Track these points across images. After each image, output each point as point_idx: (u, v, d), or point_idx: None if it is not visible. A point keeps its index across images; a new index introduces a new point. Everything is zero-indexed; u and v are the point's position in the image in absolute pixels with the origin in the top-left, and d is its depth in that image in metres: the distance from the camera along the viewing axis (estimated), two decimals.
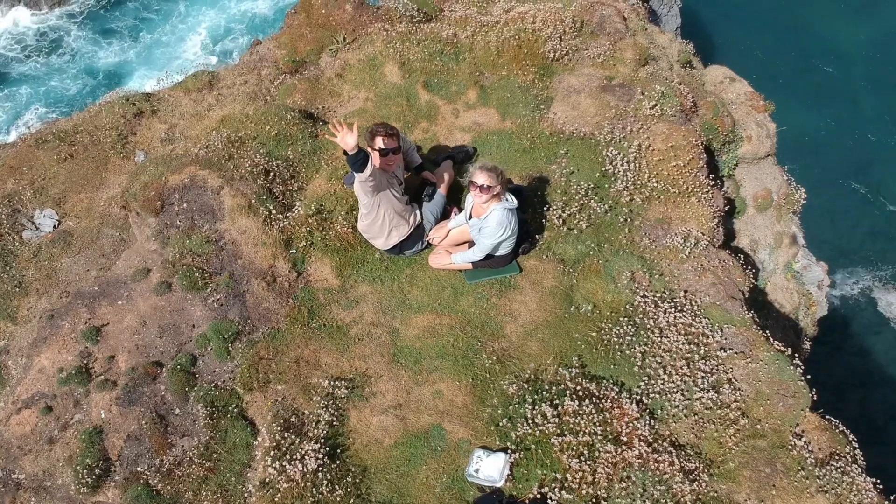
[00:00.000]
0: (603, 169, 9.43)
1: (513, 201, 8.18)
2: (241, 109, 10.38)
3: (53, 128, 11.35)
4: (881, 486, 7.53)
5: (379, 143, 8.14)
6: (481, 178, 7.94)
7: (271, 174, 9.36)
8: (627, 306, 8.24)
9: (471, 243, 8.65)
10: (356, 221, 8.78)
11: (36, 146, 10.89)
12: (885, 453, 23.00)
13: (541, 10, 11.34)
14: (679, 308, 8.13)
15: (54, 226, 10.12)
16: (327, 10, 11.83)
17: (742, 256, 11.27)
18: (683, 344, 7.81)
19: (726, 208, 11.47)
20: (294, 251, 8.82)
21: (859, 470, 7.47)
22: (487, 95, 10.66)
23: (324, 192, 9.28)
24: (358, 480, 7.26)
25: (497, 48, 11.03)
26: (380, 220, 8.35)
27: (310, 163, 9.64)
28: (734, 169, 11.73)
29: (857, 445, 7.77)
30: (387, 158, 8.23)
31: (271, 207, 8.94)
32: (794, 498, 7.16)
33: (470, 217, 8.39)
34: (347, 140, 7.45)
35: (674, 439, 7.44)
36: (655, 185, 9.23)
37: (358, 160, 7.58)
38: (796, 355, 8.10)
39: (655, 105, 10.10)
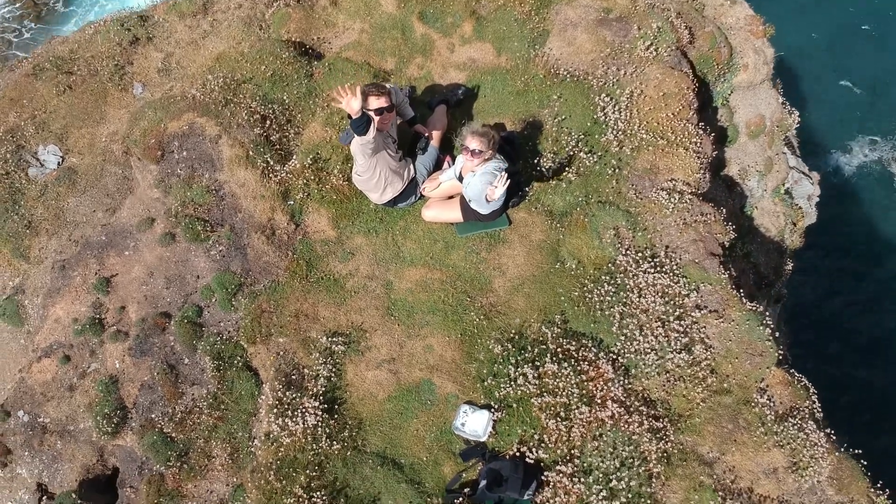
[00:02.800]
0: (594, 116, 9.55)
1: (503, 164, 8.40)
2: (237, 45, 10.39)
3: (50, 53, 11.36)
4: (834, 437, 8.23)
5: (372, 103, 8.27)
6: (473, 143, 8.14)
7: (268, 121, 9.53)
8: (610, 264, 8.64)
9: (462, 197, 8.94)
10: (351, 173, 9.03)
11: (34, 76, 10.97)
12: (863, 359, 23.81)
13: None
14: (659, 268, 8.53)
15: (58, 163, 10.39)
16: None
17: (728, 190, 11.55)
18: (660, 305, 8.27)
19: (718, 137, 11.65)
20: (291, 202, 9.14)
21: (815, 426, 8.11)
22: (483, 29, 10.58)
23: (319, 140, 9.48)
24: (354, 433, 7.95)
25: None
26: (375, 178, 8.61)
27: (305, 106, 9.77)
28: (729, 97, 11.76)
29: (816, 399, 8.38)
30: (381, 117, 8.38)
31: (269, 158, 9.18)
32: (752, 452, 7.84)
33: (461, 178, 8.64)
34: (352, 105, 7.65)
35: (646, 396, 8.05)
36: (645, 135, 9.38)
37: (361, 124, 7.81)
38: (767, 313, 8.56)
39: (651, 46, 10.05)
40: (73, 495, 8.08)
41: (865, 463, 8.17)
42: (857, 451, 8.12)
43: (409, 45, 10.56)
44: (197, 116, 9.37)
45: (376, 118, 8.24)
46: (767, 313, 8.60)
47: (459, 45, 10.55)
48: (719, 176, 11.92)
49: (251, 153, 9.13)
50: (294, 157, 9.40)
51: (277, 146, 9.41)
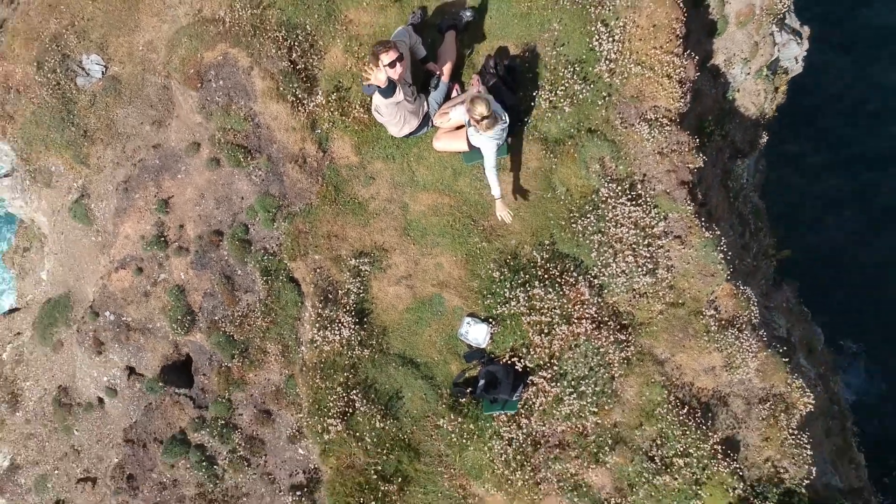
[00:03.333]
0: (590, 44, 10.49)
1: (505, 120, 9.54)
2: None
3: None
4: (765, 340, 10.26)
5: (384, 59, 9.27)
6: (480, 109, 9.21)
7: (293, 49, 10.51)
8: (594, 194, 10.13)
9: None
10: (371, 106, 10.20)
11: None
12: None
13: None
14: (634, 200, 10.04)
15: (102, 72, 11.45)
16: None
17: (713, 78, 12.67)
18: (633, 235, 9.90)
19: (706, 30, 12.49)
20: (319, 132, 10.43)
21: (751, 331, 10.10)
22: None
23: (340, 67, 10.53)
24: (379, 339, 9.97)
25: None
26: (395, 119, 9.82)
27: (326, 31, 10.67)
28: None
29: (756, 308, 10.30)
30: (395, 69, 9.44)
31: (297, 90, 10.32)
32: (696, 354, 9.91)
33: (469, 124, 9.79)
34: (380, 77, 8.84)
35: (615, 308, 9.96)
36: (634, 67, 10.40)
37: (388, 89, 9.02)
38: (721, 239, 10.21)
39: None
40: (158, 380, 10.27)
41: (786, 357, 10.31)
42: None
43: None
44: (229, 47, 10.37)
45: (393, 73, 9.30)
46: (723, 237, 10.25)
47: None
48: (706, 67, 12.88)
49: (281, 86, 10.26)
50: (318, 83, 10.50)
51: (303, 74, 10.47)
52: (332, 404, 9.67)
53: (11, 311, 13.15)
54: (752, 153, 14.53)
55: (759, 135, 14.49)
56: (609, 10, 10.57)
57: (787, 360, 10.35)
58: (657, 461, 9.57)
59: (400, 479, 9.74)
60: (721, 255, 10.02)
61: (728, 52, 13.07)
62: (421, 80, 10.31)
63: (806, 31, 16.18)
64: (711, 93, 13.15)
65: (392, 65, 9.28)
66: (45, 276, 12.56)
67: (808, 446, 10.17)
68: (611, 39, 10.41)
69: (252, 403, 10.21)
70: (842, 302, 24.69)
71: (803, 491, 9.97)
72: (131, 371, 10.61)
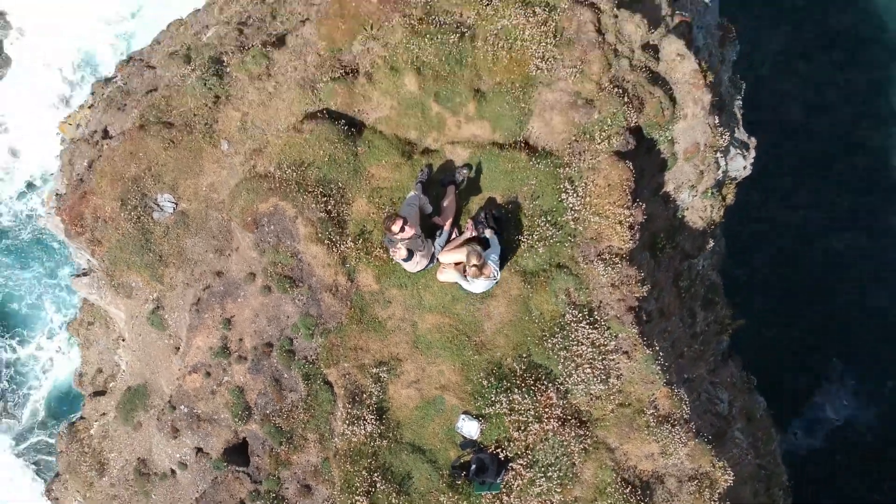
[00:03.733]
0: (559, 199, 13.46)
1: (496, 277, 12.44)
2: (297, 121, 13.99)
3: (149, 103, 14.92)
4: (694, 431, 13.20)
5: (394, 228, 12.20)
6: (473, 261, 12.16)
7: (327, 198, 13.49)
8: (561, 317, 13.10)
9: (465, 265, 13.09)
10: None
11: (143, 130, 14.64)
12: None
13: (530, 20, 14.06)
14: (592, 323, 13.00)
15: (173, 208, 14.43)
16: (356, 3, 14.51)
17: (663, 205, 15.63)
18: (590, 352, 12.86)
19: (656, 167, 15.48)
20: (348, 266, 13.40)
21: (683, 423, 13.04)
22: (483, 108, 14.05)
23: (365, 214, 13.51)
24: (394, 431, 12.93)
25: (493, 56, 14.08)
26: (411, 263, 12.76)
27: (353, 184, 13.65)
28: (670, 138, 15.37)
29: (688, 408, 13.25)
30: (405, 231, 12.36)
31: (331, 234, 13.29)
32: (639, 443, 12.86)
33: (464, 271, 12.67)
34: (401, 254, 11.83)
35: (576, 408, 12.92)
36: (592, 217, 13.37)
37: (409, 258, 11.98)
38: (659, 354, 13.15)
39: (606, 135, 13.65)
40: (222, 460, 13.24)
41: (720, 434, 13.25)
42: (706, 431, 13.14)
43: (426, 122, 14.13)
44: (279, 200, 13.36)
45: (404, 234, 12.23)
46: (660, 350, 13.21)
47: (465, 122, 14.12)
48: (658, 195, 15.87)
49: (319, 232, 13.24)
50: (347, 227, 13.47)
51: (336, 220, 13.45)
52: (358, 483, 12.63)
53: (97, 393, 16.11)
54: (699, 254, 17.53)
55: (707, 241, 17.47)
56: (574, 170, 13.56)
57: (711, 444, 13.32)
58: None
59: None
60: (658, 367, 12.99)
61: (677, 181, 16.05)
62: (429, 227, 13.28)
63: (753, 141, 19.24)
64: (663, 214, 16.14)
65: (401, 229, 12.23)
66: (124, 367, 15.52)
67: None
68: (575, 195, 13.40)
69: (295, 479, 13.18)
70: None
71: None
72: (199, 450, 13.57)
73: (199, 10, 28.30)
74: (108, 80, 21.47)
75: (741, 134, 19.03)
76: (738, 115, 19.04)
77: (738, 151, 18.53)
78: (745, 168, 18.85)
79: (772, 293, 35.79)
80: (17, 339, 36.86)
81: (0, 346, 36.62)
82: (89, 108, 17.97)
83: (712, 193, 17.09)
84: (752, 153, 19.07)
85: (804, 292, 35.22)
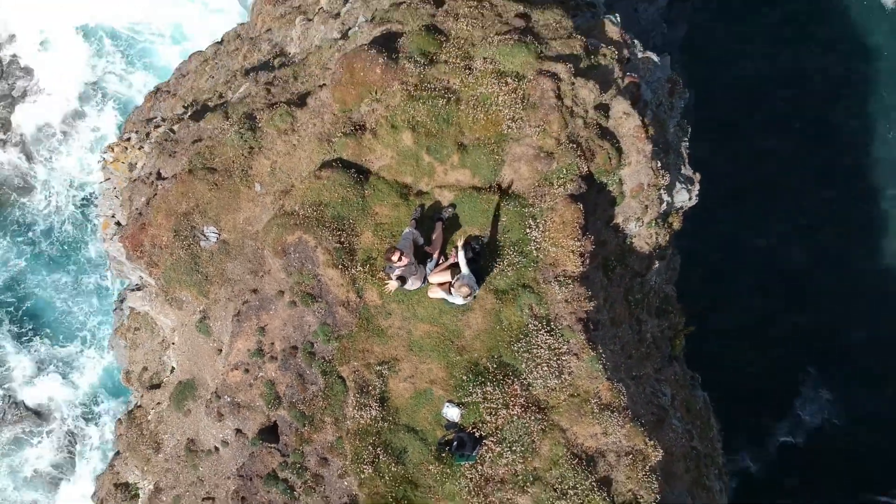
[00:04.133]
0: (525, 232, 17.01)
1: (475, 295, 15.97)
2: (316, 168, 17.55)
3: (195, 151, 18.49)
4: (630, 416, 16.72)
5: (393, 258, 15.72)
6: (463, 291, 15.62)
7: (341, 232, 17.04)
8: (525, 327, 16.64)
9: (450, 284, 16.61)
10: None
11: (192, 174, 18.20)
12: None
13: (502, 88, 17.61)
14: (549, 332, 16.54)
15: (217, 238, 17.99)
16: (364, 73, 18.07)
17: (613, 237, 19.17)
18: (547, 353, 16.39)
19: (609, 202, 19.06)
20: (357, 286, 16.96)
21: (621, 409, 16.55)
22: (465, 159, 17.60)
23: (370, 244, 17.06)
24: (393, 416, 16.46)
25: (473, 117, 17.65)
26: (406, 283, 16.30)
27: (362, 220, 17.20)
28: (618, 180, 18.91)
29: (625, 398, 16.76)
30: (401, 261, 15.87)
31: (344, 261, 16.85)
32: (586, 426, 16.38)
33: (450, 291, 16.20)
34: (393, 285, 15.33)
35: (536, 398, 16.45)
36: (551, 247, 16.90)
37: (402, 284, 15.50)
38: (602, 355, 16.70)
39: (562, 181, 17.20)
40: (258, 438, 16.80)
41: (657, 421, 16.79)
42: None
43: (420, 170, 17.69)
44: (303, 233, 16.92)
45: (401, 263, 15.74)
46: (602, 353, 16.76)
47: (450, 171, 17.67)
48: (609, 226, 19.42)
49: (334, 259, 16.79)
50: (357, 254, 17.02)
51: (348, 249, 17.00)
52: (365, 456, 16.17)
53: (153, 386, 19.70)
54: (647, 272, 21.08)
55: (653, 262, 21.03)
56: (537, 210, 17.12)
57: (646, 428, 16.83)
58: (559, 491, 16.06)
59: (406, 502, 16.24)
60: (601, 366, 16.52)
61: (625, 214, 19.59)
62: (421, 256, 16.81)
63: (697, 176, 22.81)
64: (614, 241, 19.70)
65: (399, 259, 15.75)
66: (174, 365, 19.09)
67: (656, 481, 16.64)
68: (537, 229, 16.95)
69: (315, 453, 16.73)
70: None
71: None
72: (238, 431, 17.13)
73: (219, 46, 31.93)
74: (149, 121, 25.12)
75: (687, 170, 22.59)
76: (685, 154, 22.61)
77: (683, 186, 22.08)
78: (689, 199, 22.40)
79: (747, 303, 40.01)
80: (51, 340, 40.50)
81: (35, 346, 40.29)
82: (139, 149, 21.53)
83: (657, 223, 20.62)
84: (697, 186, 22.62)
85: (776, 302, 39.51)
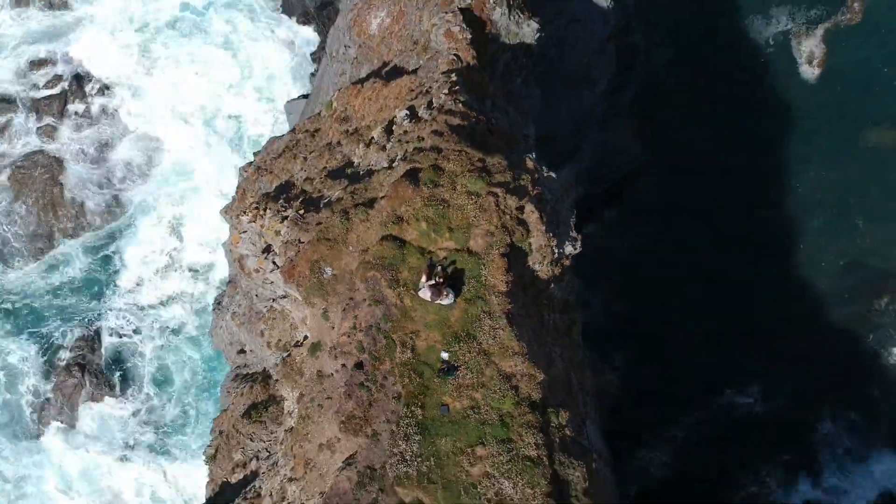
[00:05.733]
0: (479, 270, 36.05)
1: (453, 298, 35.03)
2: (379, 239, 36.75)
3: (321, 232, 37.63)
4: (528, 358, 35.77)
5: (420, 283, 34.69)
6: (449, 297, 34.62)
7: (392, 271, 36.12)
8: (479, 316, 35.68)
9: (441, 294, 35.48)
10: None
11: (318, 242, 37.28)
12: None
13: (469, 199, 36.67)
14: (490, 318, 35.59)
15: (330, 273, 37.03)
16: (402, 192, 37.15)
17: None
18: (488, 328, 35.45)
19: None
20: (400, 296, 36.07)
21: (523, 355, 35.62)
22: (451, 236, 36.54)
23: (407, 276, 36.15)
24: (416, 357, 35.55)
25: (455, 216, 36.66)
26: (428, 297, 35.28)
27: (401, 264, 36.27)
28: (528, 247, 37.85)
29: (526, 350, 35.82)
30: (424, 283, 34.80)
31: (393, 284, 35.98)
32: (507, 361, 35.53)
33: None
34: (426, 294, 34.56)
35: (483, 349, 35.58)
36: (490, 278, 35.91)
37: (427, 298, 34.72)
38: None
39: (497, 248, 36.25)
40: (354, 368, 35.99)
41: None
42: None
43: (429, 240, 36.71)
44: (374, 272, 36.09)
45: (426, 286, 34.67)
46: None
47: (444, 241, 36.61)
48: (524, 267, 38.41)
49: (389, 283, 35.94)
50: (400, 281, 36.11)
51: (395, 278, 36.08)
52: (405, 374, 35.20)
53: (297, 344, 38.71)
54: (551, 288, 40.07)
55: (551, 284, 40.00)
56: (485, 260, 36.28)
57: (536, 364, 35.91)
58: (493, 391, 35.06)
59: (423, 395, 35.20)
60: (514, 335, 35.63)
61: (533, 261, 38.56)
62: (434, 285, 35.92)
63: (579, 237, 41.98)
64: (528, 274, 38.68)
65: (424, 282, 34.85)
66: (308, 335, 38.11)
67: (540, 390, 35.68)
68: (485, 269, 36.10)
69: (381, 374, 35.82)
70: None
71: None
72: (343, 365, 36.19)
73: (294, 135, 51.47)
74: (266, 195, 44.23)
75: (573, 233, 41.70)
76: (571, 225, 41.65)
77: (570, 243, 41.11)
78: (574, 250, 41.42)
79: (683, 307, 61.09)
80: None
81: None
82: (280, 222, 40.52)
83: (551, 264, 39.61)
84: (579, 243, 41.74)
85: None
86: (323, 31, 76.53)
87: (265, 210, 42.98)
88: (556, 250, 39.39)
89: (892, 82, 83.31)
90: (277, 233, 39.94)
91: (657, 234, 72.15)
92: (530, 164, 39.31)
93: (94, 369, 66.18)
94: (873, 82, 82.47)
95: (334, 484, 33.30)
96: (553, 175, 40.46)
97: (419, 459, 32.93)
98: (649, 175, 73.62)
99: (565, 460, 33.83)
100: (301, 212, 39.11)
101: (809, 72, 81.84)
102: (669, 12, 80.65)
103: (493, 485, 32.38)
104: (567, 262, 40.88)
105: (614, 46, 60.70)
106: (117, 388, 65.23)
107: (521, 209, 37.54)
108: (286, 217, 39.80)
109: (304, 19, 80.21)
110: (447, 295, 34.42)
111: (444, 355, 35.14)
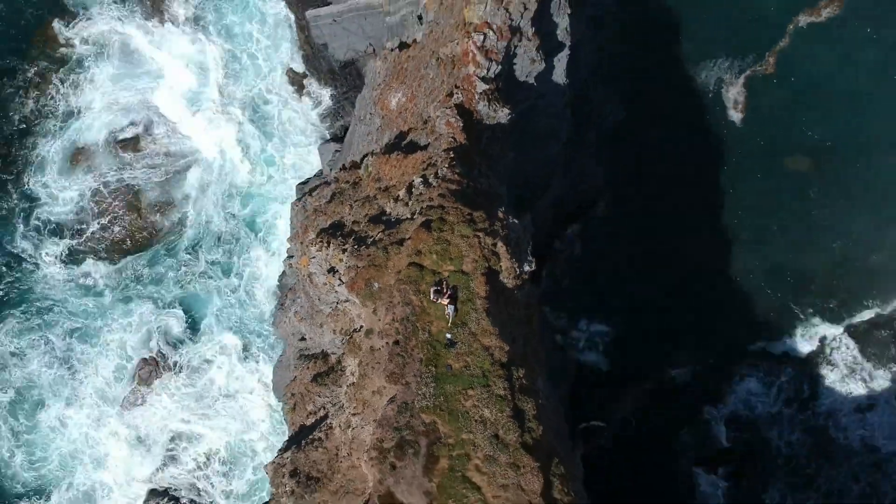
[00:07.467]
0: (469, 285, 59.02)
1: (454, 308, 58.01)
2: (406, 265, 59.90)
3: (369, 261, 60.75)
4: (499, 336, 58.77)
5: (432, 295, 57.60)
6: (452, 306, 57.57)
7: (416, 285, 59.15)
8: (468, 312, 58.70)
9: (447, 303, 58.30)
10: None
11: (369, 266, 60.32)
12: None
13: (462, 241, 59.61)
14: (476, 313, 58.60)
15: (378, 286, 60.08)
16: (420, 236, 60.14)
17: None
18: (475, 319, 58.47)
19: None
20: (422, 301, 59.16)
21: (496, 334, 58.66)
22: (451, 263, 59.44)
23: (425, 289, 59.23)
24: (433, 334, 58.75)
25: (454, 250, 59.54)
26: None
27: (422, 281, 59.31)
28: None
29: (497, 331, 58.81)
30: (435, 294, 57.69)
31: (418, 293, 59.10)
32: (486, 338, 58.61)
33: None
34: (443, 300, 57.85)
35: (471, 331, 58.65)
36: (476, 289, 58.84)
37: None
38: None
39: (479, 269, 59.18)
40: (394, 342, 59.17)
41: None
42: None
43: (438, 265, 59.66)
44: (405, 285, 59.24)
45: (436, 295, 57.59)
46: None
47: (446, 266, 59.57)
48: (498, 280, 61.27)
49: (414, 293, 59.07)
50: (420, 291, 59.18)
51: (417, 289, 59.17)
52: (427, 340, 58.30)
53: (356, 330, 61.73)
54: (519, 292, 62.94)
55: (515, 291, 62.88)
56: (471, 278, 59.40)
57: (506, 342, 58.87)
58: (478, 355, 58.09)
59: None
60: (491, 321, 58.71)
61: (503, 277, 61.56)
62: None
63: (533, 259, 64.94)
64: (500, 287, 61.55)
65: (435, 295, 57.96)
66: (363, 324, 61.19)
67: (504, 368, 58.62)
68: (473, 282, 59.19)
69: (416, 339, 58.91)
70: None
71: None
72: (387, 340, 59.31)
73: (338, 184, 75.86)
74: (323, 230, 68.00)
75: (530, 258, 64.62)
76: (528, 250, 64.48)
77: (527, 264, 63.89)
78: (530, 268, 64.24)
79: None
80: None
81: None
82: (342, 252, 63.59)
83: (515, 277, 62.45)
84: (534, 264, 64.68)
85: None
86: (338, 98, 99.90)
87: (328, 244, 66.10)
88: (518, 269, 62.21)
89: (802, 119, 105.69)
90: (341, 260, 63.00)
91: (611, 243, 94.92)
92: (501, 214, 62.14)
93: None
94: (786, 121, 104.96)
95: (383, 413, 56.42)
96: (516, 221, 63.29)
97: (434, 397, 55.91)
98: (605, 199, 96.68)
99: (522, 397, 56.77)
100: (356, 246, 62.23)
101: (736, 115, 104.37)
102: (624, 72, 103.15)
103: (479, 411, 55.33)
104: (526, 277, 63.73)
105: (570, 109, 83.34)
106: None
107: (495, 245, 60.42)
108: (345, 249, 62.89)
109: (329, 78, 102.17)
110: (450, 307, 57.32)
111: (448, 336, 58.08)
